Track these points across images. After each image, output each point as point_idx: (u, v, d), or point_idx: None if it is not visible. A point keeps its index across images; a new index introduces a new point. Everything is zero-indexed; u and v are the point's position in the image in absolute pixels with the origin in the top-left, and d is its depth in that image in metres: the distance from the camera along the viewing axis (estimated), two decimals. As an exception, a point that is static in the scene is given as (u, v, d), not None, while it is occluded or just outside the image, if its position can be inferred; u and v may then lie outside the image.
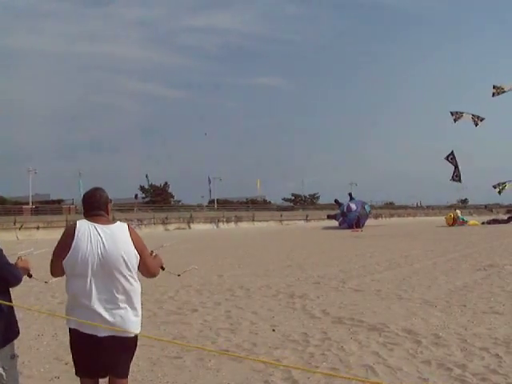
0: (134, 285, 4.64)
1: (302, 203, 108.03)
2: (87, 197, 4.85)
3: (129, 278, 4.58)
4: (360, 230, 50.78)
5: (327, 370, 7.04)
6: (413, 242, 33.03)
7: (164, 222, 61.69)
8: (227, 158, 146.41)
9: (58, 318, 4.36)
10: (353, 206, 56.09)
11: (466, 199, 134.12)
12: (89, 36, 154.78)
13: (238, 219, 70.43)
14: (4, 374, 4.40)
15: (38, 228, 49.05)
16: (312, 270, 18.48)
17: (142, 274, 4.86)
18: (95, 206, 4.76)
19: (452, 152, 36.87)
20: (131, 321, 4.58)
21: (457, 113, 35.85)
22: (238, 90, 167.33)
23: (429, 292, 13.35)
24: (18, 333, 4.66)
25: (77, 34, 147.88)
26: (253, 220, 71.54)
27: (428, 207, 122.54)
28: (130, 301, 4.59)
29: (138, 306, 4.69)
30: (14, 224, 48.26)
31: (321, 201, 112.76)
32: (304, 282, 15.66)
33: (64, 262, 4.50)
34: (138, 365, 7.35)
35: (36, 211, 63.79)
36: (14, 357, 4.58)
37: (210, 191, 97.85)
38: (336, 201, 62.42)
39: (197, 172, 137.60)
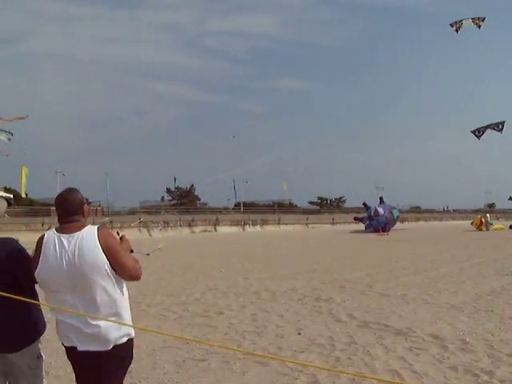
0: (111, 292, 4.19)
1: (328, 207, 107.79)
2: (59, 201, 4.37)
3: (103, 286, 4.12)
4: (386, 233, 50.52)
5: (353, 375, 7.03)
6: (439, 246, 32.76)
7: (190, 225, 61.86)
8: (253, 161, 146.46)
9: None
10: (380, 211, 55.64)
11: (493, 203, 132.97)
12: (117, 39, 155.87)
13: (264, 222, 70.47)
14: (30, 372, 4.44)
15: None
16: (338, 273, 18.43)
17: (121, 277, 4.27)
18: (69, 212, 4.30)
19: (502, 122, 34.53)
20: (112, 332, 4.16)
21: (456, 23, 34.62)
22: (264, 93, 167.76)
23: (455, 297, 13.24)
24: (44, 330, 4.62)
25: (105, 38, 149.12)
26: (279, 223, 71.51)
27: (455, 211, 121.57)
28: (108, 310, 4.16)
29: (122, 314, 4.27)
30: (42, 225, 48.64)
31: (347, 204, 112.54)
32: (330, 285, 15.63)
33: (35, 275, 4.21)
34: (163, 367, 7.41)
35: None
36: (40, 357, 4.56)
37: (236, 194, 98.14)
38: (364, 204, 62.00)
39: (223, 175, 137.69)
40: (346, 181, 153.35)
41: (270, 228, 68.29)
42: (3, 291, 4.01)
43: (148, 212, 71.44)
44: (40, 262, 4.15)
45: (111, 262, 4.15)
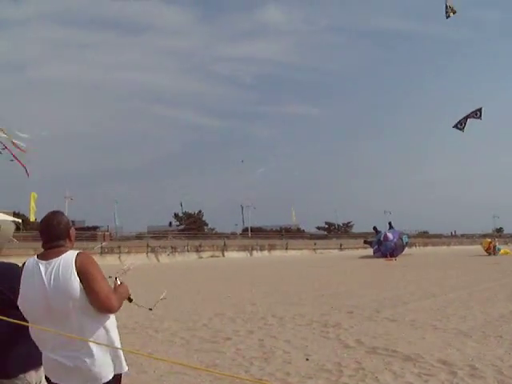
0: (91, 321, 3.87)
1: (335, 232, 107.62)
2: (43, 226, 4.11)
3: (82, 316, 3.82)
4: (394, 259, 50.34)
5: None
6: (447, 271, 32.61)
7: (198, 250, 61.77)
8: (261, 186, 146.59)
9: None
10: (390, 236, 55.47)
11: (501, 228, 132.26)
12: (126, 65, 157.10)
13: (272, 247, 70.33)
14: None
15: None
16: (346, 298, 18.37)
17: (94, 307, 3.87)
18: (54, 237, 4.05)
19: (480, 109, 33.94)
20: (98, 363, 3.84)
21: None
22: (273, 119, 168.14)
23: (464, 322, 13.18)
24: (39, 364, 4.28)
25: (114, 64, 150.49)
26: (286, 248, 71.31)
27: (462, 236, 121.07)
28: (87, 348, 3.81)
29: (109, 343, 3.92)
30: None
31: (355, 229, 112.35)
32: (337, 311, 15.57)
33: (18, 304, 3.96)
34: (171, 392, 7.39)
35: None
36: None
37: (244, 219, 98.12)
38: (374, 228, 61.84)
39: (231, 200, 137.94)
40: (354, 206, 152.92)
41: (277, 253, 68.11)
42: None
43: (156, 237, 71.47)
44: (20, 291, 3.94)
45: (85, 287, 3.85)
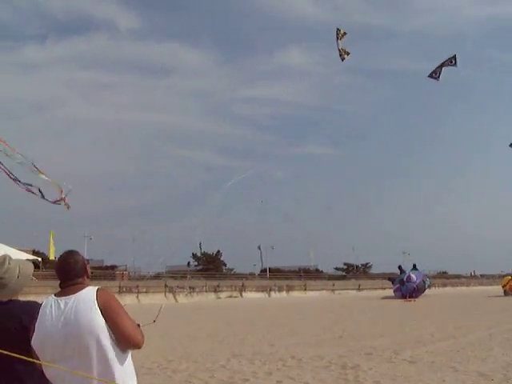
0: (114, 363, 3.81)
1: (354, 272, 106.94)
2: (60, 266, 4.14)
3: (102, 352, 3.77)
4: (413, 300, 49.99)
5: None
6: (467, 312, 32.33)
7: (216, 290, 61.57)
8: (279, 227, 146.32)
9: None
10: (413, 277, 55.22)
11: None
12: (145, 106, 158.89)
13: (290, 288, 69.95)
14: None
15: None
16: (364, 340, 18.24)
17: (120, 343, 3.86)
18: (72, 275, 4.06)
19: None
20: None
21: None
22: (291, 159, 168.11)
23: (484, 364, 13.03)
24: None
25: (134, 104, 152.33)
26: (305, 289, 70.92)
27: (482, 276, 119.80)
28: (110, 376, 3.76)
29: (125, 377, 3.87)
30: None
31: (373, 270, 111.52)
32: (356, 352, 15.46)
33: (31, 345, 3.86)
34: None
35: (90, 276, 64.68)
36: None
37: (262, 259, 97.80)
38: (400, 267, 61.49)
39: (249, 240, 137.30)
40: (373, 246, 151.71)
41: (295, 294, 67.75)
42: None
43: (174, 277, 71.35)
44: (35, 329, 3.86)
45: (109, 324, 3.82)
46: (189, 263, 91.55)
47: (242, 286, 65.34)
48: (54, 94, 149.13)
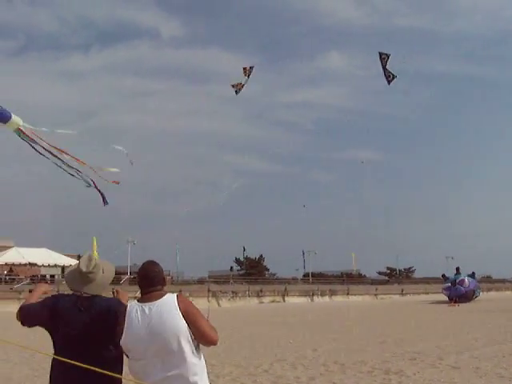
0: (191, 359, 4.43)
1: (396, 277, 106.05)
2: (143, 274, 4.73)
3: (183, 352, 4.38)
4: (457, 305, 49.37)
5: None
6: (514, 317, 31.81)
7: (258, 295, 61.62)
8: (322, 232, 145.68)
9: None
10: (466, 282, 54.37)
11: None
12: (187, 112, 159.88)
13: (333, 293, 69.65)
14: None
15: (135, 298, 49.89)
16: (408, 345, 18.11)
17: (199, 341, 4.53)
18: (152, 283, 4.65)
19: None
20: None
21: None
22: (333, 164, 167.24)
23: (531, 371, 12.86)
24: None
25: (176, 111, 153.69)
26: (347, 294, 70.53)
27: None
28: (190, 376, 4.38)
29: (201, 379, 4.47)
30: (113, 294, 49.32)
31: (416, 275, 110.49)
32: (400, 357, 15.38)
33: (121, 343, 4.49)
34: None
35: (134, 281, 65.57)
36: None
37: (305, 264, 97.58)
38: (457, 268, 60.65)
39: (292, 245, 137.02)
40: (416, 251, 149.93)
41: (338, 298, 67.46)
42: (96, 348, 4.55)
43: (217, 282, 71.71)
44: (124, 331, 4.43)
45: (190, 327, 4.42)
46: (232, 268, 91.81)
47: (285, 290, 65.29)
48: (98, 102, 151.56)
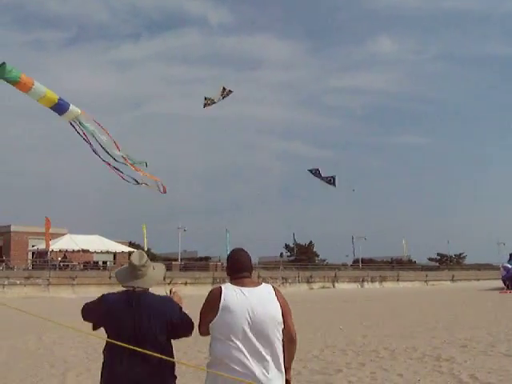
0: (281, 347, 4.63)
1: (447, 263, 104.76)
2: (235, 259, 4.90)
3: (277, 340, 4.57)
4: (509, 291, 48.57)
5: None
6: None
7: (308, 281, 61.76)
8: (372, 217, 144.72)
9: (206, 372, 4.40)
10: None
11: None
12: (235, 98, 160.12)
13: (383, 279, 69.35)
14: None
15: (186, 284, 50.54)
16: (458, 332, 17.97)
17: (286, 337, 4.71)
18: (243, 268, 4.81)
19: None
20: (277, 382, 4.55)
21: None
22: (384, 149, 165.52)
23: None
24: None
25: (228, 98, 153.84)
26: (397, 280, 70.12)
27: None
28: (277, 363, 4.55)
29: (283, 369, 4.64)
30: (164, 279, 49.94)
31: (467, 261, 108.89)
32: (450, 344, 15.28)
33: (211, 324, 4.57)
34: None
35: (184, 267, 66.44)
36: None
37: (354, 250, 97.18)
38: (511, 255, 59.54)
39: (341, 231, 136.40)
40: (467, 237, 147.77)
41: (388, 285, 67.13)
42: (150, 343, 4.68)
43: (266, 268, 71.98)
44: (220, 311, 4.53)
45: (283, 320, 4.66)
46: (281, 254, 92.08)
47: (335, 276, 65.32)
48: (149, 90, 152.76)
